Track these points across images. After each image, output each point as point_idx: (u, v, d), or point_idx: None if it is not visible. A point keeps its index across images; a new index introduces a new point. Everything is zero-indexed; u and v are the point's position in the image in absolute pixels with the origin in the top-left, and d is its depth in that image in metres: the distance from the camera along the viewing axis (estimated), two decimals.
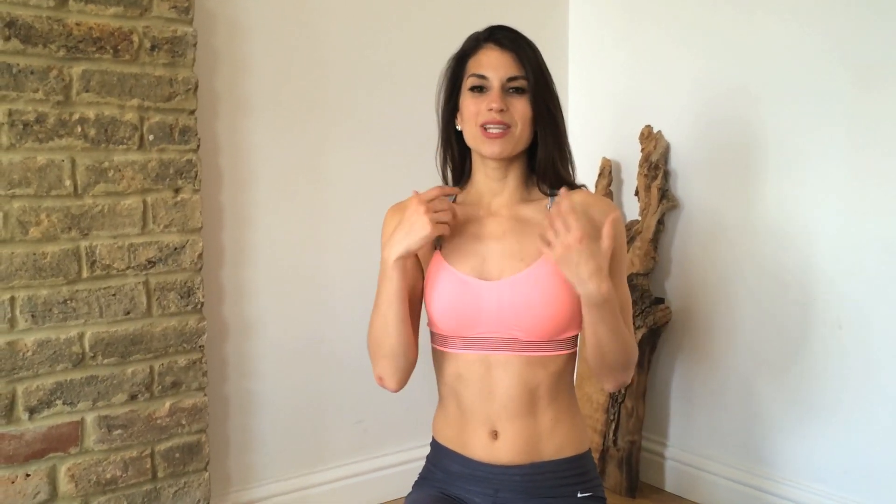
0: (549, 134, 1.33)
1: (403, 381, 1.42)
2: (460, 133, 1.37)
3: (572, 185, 1.38)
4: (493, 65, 1.31)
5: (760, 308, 2.14)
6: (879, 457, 1.91)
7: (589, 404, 2.36)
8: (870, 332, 1.91)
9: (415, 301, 1.41)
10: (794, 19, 2.01)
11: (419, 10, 2.31)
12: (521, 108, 1.31)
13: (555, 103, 1.34)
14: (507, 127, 1.30)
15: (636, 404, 2.31)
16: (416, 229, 1.26)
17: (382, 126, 2.27)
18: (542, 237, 1.21)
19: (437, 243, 1.37)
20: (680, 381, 2.36)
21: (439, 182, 1.46)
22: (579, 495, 1.35)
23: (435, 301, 1.36)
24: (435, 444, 1.44)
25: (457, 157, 1.42)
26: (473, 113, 1.31)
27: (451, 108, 1.38)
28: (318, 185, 2.18)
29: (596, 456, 2.34)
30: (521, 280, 1.30)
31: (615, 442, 2.32)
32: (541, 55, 1.35)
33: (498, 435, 1.33)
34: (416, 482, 1.46)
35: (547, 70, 1.35)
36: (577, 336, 1.37)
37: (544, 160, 1.34)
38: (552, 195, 1.37)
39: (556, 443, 1.34)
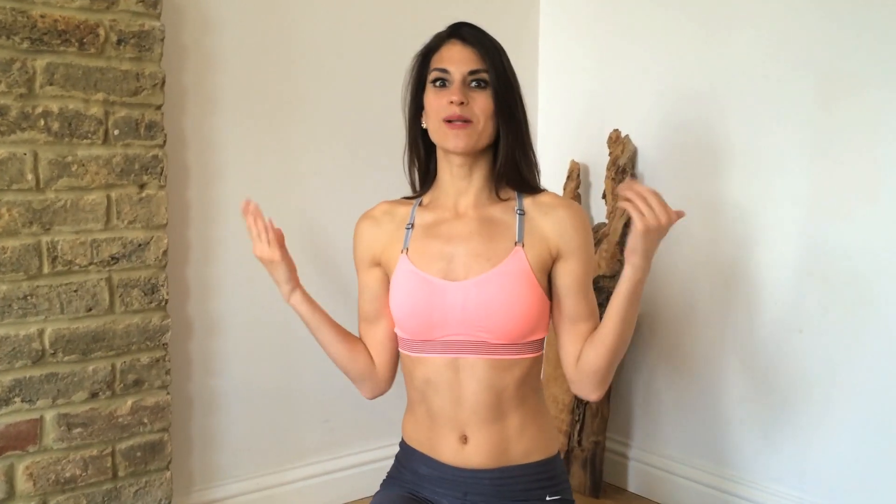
0: (511, 132, 1.33)
1: (373, 391, 1.47)
2: (426, 132, 1.38)
3: (536, 188, 1.38)
4: (455, 59, 1.32)
5: (723, 311, 2.17)
6: (836, 459, 1.95)
7: (555, 405, 2.38)
8: (829, 337, 1.95)
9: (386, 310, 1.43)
10: (759, 26, 2.04)
11: (390, 7, 2.31)
12: (482, 102, 1.31)
13: (516, 102, 1.34)
14: (468, 121, 1.30)
15: (601, 405, 2.33)
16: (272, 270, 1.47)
17: (352, 123, 2.26)
18: (627, 203, 1.21)
19: (405, 246, 1.38)
20: (644, 382, 2.39)
21: (406, 181, 1.46)
22: (548, 499, 1.36)
23: (399, 302, 1.36)
24: (404, 446, 1.44)
25: (423, 157, 1.41)
26: (435, 108, 1.32)
27: (416, 107, 1.38)
28: (287, 183, 2.17)
29: (561, 456, 2.36)
30: (487, 280, 1.30)
31: (580, 442, 2.34)
32: (504, 54, 1.35)
33: (467, 440, 1.34)
34: (384, 481, 1.46)
35: (510, 68, 1.35)
36: (543, 339, 1.38)
37: (505, 159, 1.34)
38: (519, 197, 1.37)
39: (524, 447, 1.35)
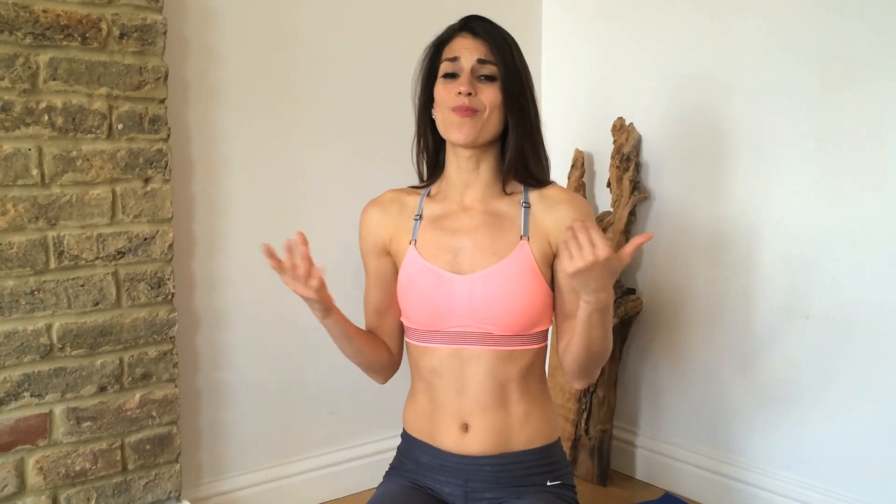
0: (519, 125, 1.34)
1: (388, 377, 1.49)
2: (435, 123, 1.38)
3: (543, 182, 1.38)
4: (465, 51, 1.32)
5: (728, 298, 2.17)
6: (838, 444, 1.96)
7: (561, 394, 2.38)
8: (836, 323, 1.95)
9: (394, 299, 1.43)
10: (764, 12, 2.03)
11: (393, 0, 2.30)
12: (490, 94, 1.31)
13: (526, 96, 1.34)
14: (474, 111, 1.30)
15: (608, 394, 2.34)
16: (307, 302, 1.29)
17: (356, 115, 2.26)
18: (561, 250, 1.15)
19: (413, 237, 1.38)
20: (650, 370, 2.39)
21: (414, 173, 1.46)
22: (549, 484, 1.37)
23: (408, 294, 1.37)
24: (406, 436, 1.45)
25: (431, 148, 1.42)
26: (444, 98, 1.32)
27: (426, 98, 1.38)
28: (291, 175, 2.17)
29: (568, 445, 2.36)
30: (493, 274, 1.31)
31: (587, 431, 2.35)
32: (516, 47, 1.35)
33: (469, 428, 1.34)
34: (386, 472, 1.47)
35: (521, 62, 1.35)
36: (547, 330, 1.38)
37: (513, 153, 1.34)
38: (526, 190, 1.37)
39: (526, 434, 1.36)
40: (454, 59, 1.32)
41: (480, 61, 1.31)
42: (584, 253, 1.11)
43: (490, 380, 1.33)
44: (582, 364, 1.30)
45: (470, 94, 1.29)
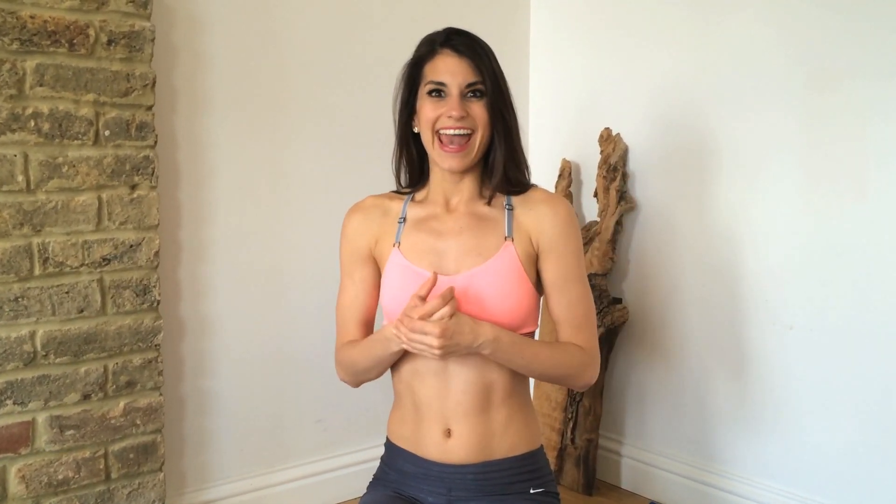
0: (503, 138, 1.35)
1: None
2: (418, 135, 1.38)
3: (526, 185, 1.40)
4: (451, 71, 1.32)
5: (714, 308, 2.18)
6: (827, 454, 1.97)
7: (547, 402, 2.39)
8: (820, 333, 1.96)
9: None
10: (748, 25, 2.05)
11: (381, 9, 2.31)
12: (479, 113, 1.32)
13: (509, 108, 1.36)
14: (468, 134, 1.31)
15: (594, 403, 2.34)
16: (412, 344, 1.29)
17: (343, 123, 2.26)
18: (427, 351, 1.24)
19: (397, 240, 1.38)
20: (636, 379, 2.40)
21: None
22: (532, 491, 1.37)
23: (392, 296, 1.37)
24: (389, 445, 1.45)
25: (415, 158, 1.42)
26: (431, 118, 1.32)
27: (408, 112, 1.39)
28: (278, 183, 2.17)
29: (554, 454, 2.36)
30: (478, 274, 1.31)
31: (573, 440, 2.35)
32: (496, 59, 1.36)
33: (451, 433, 1.34)
34: (370, 483, 1.46)
35: (502, 74, 1.36)
36: (533, 333, 1.39)
37: (497, 165, 1.36)
38: (509, 194, 1.38)
39: (509, 441, 1.36)
40: (441, 82, 1.32)
41: (469, 84, 1.32)
42: (429, 343, 1.22)
43: (474, 383, 1.33)
44: (553, 382, 1.36)
45: (462, 116, 1.30)
